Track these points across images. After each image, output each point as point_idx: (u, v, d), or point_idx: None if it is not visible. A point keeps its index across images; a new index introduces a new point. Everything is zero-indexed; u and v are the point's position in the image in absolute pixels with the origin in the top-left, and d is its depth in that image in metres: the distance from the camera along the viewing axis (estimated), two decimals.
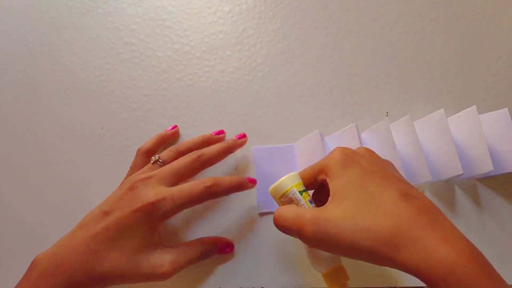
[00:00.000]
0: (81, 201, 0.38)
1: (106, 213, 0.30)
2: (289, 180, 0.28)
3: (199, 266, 0.35)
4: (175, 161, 0.32)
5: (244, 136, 0.37)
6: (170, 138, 0.38)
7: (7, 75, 0.43)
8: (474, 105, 0.33)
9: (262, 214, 0.36)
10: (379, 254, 0.22)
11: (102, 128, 0.40)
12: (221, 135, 0.38)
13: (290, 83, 0.40)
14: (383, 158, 0.29)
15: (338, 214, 0.24)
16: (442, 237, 0.21)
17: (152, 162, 0.33)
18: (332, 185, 0.26)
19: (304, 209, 0.26)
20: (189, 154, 0.33)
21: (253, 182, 0.34)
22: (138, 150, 0.36)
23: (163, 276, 0.29)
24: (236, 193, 0.36)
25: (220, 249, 0.34)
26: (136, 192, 0.30)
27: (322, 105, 0.39)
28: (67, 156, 0.39)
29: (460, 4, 0.42)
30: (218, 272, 0.34)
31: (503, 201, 0.35)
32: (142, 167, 0.35)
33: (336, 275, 0.29)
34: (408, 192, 0.24)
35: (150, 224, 0.29)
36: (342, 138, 0.36)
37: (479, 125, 0.33)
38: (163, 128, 0.39)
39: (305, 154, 0.36)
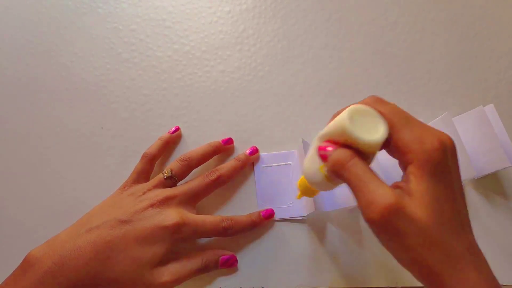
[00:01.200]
0: (81, 201, 0.38)
1: (123, 222, 0.30)
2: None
3: None
4: (195, 181, 0.34)
5: (256, 151, 0.37)
6: (173, 141, 0.38)
7: (7, 75, 0.43)
8: (447, 112, 0.33)
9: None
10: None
11: (102, 128, 0.40)
12: (230, 145, 0.37)
13: (290, 83, 0.40)
14: None
15: (422, 214, 0.20)
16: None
17: (165, 177, 0.33)
18: (416, 183, 0.21)
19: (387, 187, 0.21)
20: (207, 175, 0.34)
21: (269, 217, 0.35)
22: (144, 155, 0.36)
23: (163, 286, 0.30)
24: (236, 193, 0.37)
25: (222, 262, 0.33)
26: (160, 211, 0.31)
27: (322, 105, 0.39)
28: (67, 156, 0.39)
29: (460, 4, 0.42)
30: (218, 272, 0.34)
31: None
32: (148, 173, 0.36)
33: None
34: (468, 224, 0.22)
35: (168, 243, 0.30)
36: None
37: (455, 131, 0.32)
38: (163, 128, 0.39)
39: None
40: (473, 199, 0.35)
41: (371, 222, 0.20)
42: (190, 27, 0.43)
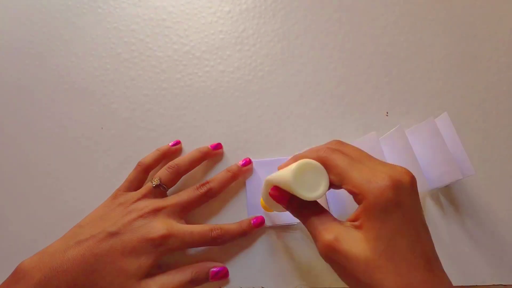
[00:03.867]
0: (81, 201, 0.38)
1: (111, 234, 0.30)
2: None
3: None
4: (185, 193, 0.33)
5: (249, 162, 0.36)
6: (172, 155, 0.38)
7: (7, 75, 0.43)
8: (399, 124, 0.33)
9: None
10: None
11: (102, 128, 0.40)
12: (219, 150, 0.37)
13: (290, 83, 0.40)
14: None
15: (359, 250, 0.22)
16: None
17: (154, 186, 0.33)
18: (365, 219, 0.22)
19: (335, 223, 0.24)
20: (197, 187, 0.34)
21: (259, 225, 0.34)
22: (139, 165, 0.36)
23: None
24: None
25: (212, 274, 0.32)
26: (148, 222, 0.31)
27: (322, 105, 0.39)
28: (67, 156, 0.39)
29: (460, 4, 0.42)
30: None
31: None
32: (140, 182, 0.35)
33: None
34: (431, 260, 0.22)
35: (154, 255, 0.30)
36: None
37: (407, 144, 0.32)
38: (163, 128, 0.39)
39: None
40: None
41: (320, 254, 0.23)
42: (190, 27, 0.43)
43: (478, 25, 0.41)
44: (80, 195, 0.38)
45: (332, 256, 0.22)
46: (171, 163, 0.35)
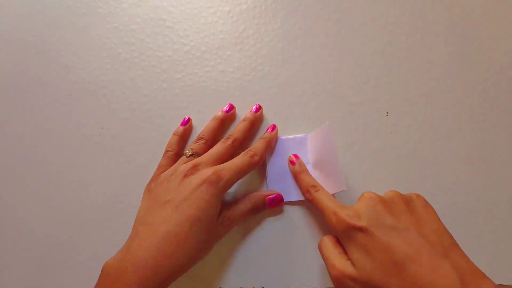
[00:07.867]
0: (81, 201, 0.38)
1: (168, 202, 0.30)
2: None
3: (199, 266, 0.35)
4: (214, 148, 0.35)
5: (260, 108, 0.39)
6: (189, 133, 0.39)
7: (7, 75, 0.43)
8: (305, 134, 0.35)
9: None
10: None
11: (102, 128, 0.40)
12: (232, 111, 0.39)
13: (290, 83, 0.40)
14: None
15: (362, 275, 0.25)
16: None
17: (187, 156, 0.35)
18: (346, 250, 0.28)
19: (344, 263, 0.27)
20: (223, 141, 0.36)
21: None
22: (167, 152, 0.37)
23: (219, 236, 0.32)
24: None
25: (268, 202, 0.35)
26: (193, 176, 0.31)
27: (322, 105, 0.39)
28: (67, 156, 0.39)
29: (460, 4, 0.42)
30: (218, 272, 0.34)
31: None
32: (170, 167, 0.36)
33: None
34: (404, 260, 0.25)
35: (218, 194, 0.31)
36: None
37: (305, 150, 0.34)
38: (163, 128, 0.39)
39: (316, 146, 0.36)
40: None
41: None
42: (190, 27, 0.43)
43: (478, 25, 0.41)
44: (80, 195, 0.38)
45: (342, 283, 0.26)
46: (197, 137, 0.37)
